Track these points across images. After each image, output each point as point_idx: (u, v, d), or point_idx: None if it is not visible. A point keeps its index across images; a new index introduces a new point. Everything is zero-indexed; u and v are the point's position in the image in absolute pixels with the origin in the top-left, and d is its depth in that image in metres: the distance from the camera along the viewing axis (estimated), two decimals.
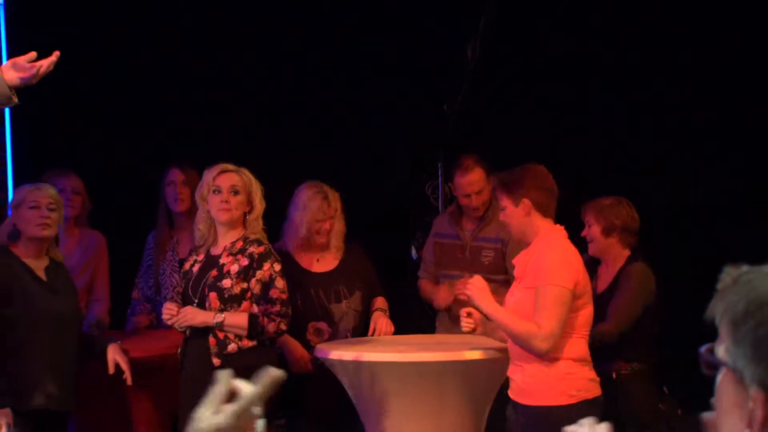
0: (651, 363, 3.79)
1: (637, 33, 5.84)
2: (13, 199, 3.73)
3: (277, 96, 5.64)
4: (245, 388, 1.23)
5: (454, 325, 4.09)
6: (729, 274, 1.21)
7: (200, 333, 3.67)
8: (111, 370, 3.71)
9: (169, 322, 3.70)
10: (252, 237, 3.72)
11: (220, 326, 3.62)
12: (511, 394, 3.38)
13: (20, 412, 3.44)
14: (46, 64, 2.93)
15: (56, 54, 2.96)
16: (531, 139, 5.36)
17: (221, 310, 3.63)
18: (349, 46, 5.65)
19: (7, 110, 4.74)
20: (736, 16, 5.76)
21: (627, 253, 3.78)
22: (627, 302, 3.64)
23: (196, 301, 3.66)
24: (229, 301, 3.63)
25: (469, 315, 3.40)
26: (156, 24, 5.60)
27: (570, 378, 3.26)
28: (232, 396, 1.24)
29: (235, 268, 3.66)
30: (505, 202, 3.32)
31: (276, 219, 4.30)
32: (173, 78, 5.63)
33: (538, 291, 3.21)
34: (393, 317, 4.30)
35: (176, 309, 3.65)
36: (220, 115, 5.57)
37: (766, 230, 4.51)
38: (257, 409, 1.23)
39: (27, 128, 5.15)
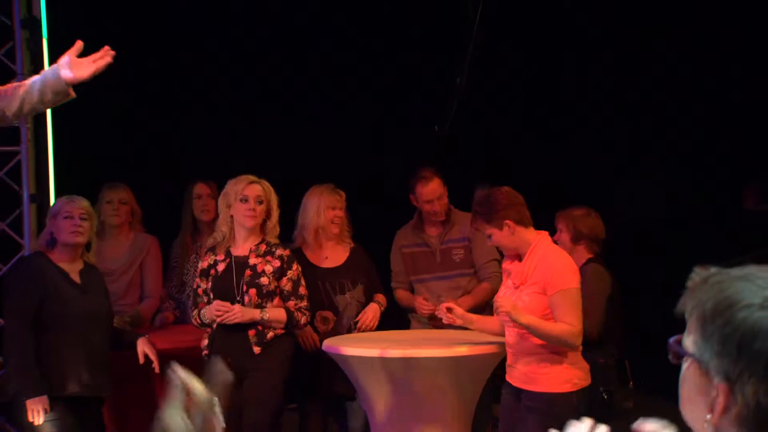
0: (615, 358, 3.77)
1: (611, 61, 5.80)
2: (50, 210, 3.80)
3: (281, 120, 5.60)
4: (200, 390, 1.21)
5: (427, 322, 4.17)
6: (698, 274, 1.22)
7: (237, 326, 3.75)
8: (141, 360, 3.75)
9: (219, 319, 3.73)
10: (273, 241, 3.85)
11: (265, 322, 3.75)
12: (512, 381, 3.40)
13: (57, 398, 3.51)
14: (102, 62, 2.77)
15: (108, 50, 2.78)
16: (513, 155, 5.41)
17: (258, 305, 3.74)
18: (349, 70, 5.63)
19: (50, 128, 4.69)
20: (692, 43, 5.69)
21: (588, 257, 3.77)
22: (592, 303, 3.59)
23: (239, 298, 3.75)
24: (266, 297, 3.76)
25: (449, 310, 3.44)
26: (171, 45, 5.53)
27: (572, 368, 3.31)
28: (189, 395, 1.24)
29: (269, 268, 3.79)
30: (490, 230, 3.32)
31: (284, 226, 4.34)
32: (193, 102, 5.59)
33: (558, 295, 3.23)
34: (394, 315, 4.33)
35: (228, 307, 3.71)
36: (236, 133, 5.58)
37: (717, 237, 4.51)
38: (215, 403, 1.23)
39: (68, 139, 5.05)
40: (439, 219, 4.22)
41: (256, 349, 3.73)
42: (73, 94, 2.81)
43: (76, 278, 3.68)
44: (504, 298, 3.30)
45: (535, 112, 5.87)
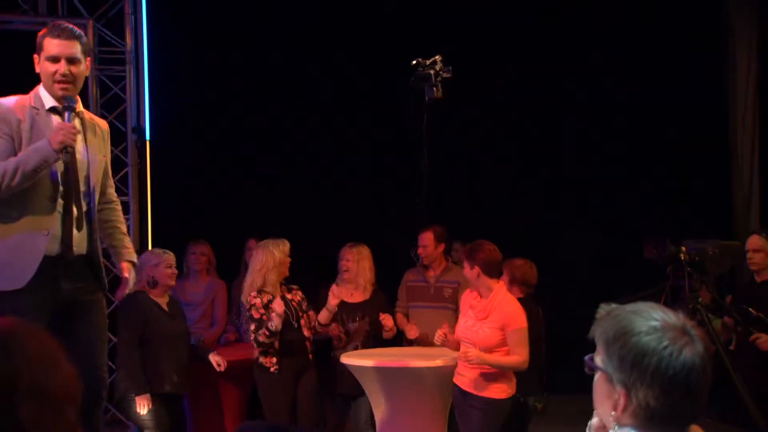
0: (536, 371, 3.67)
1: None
2: (151, 260, 3.83)
3: (308, 193, 5.61)
4: None
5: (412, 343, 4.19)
6: (603, 308, 1.25)
7: (298, 345, 3.88)
8: (220, 368, 3.92)
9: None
10: (284, 284, 3.97)
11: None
12: (460, 384, 3.39)
13: (155, 395, 3.64)
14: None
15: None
16: (482, 216, 5.58)
17: (307, 321, 3.93)
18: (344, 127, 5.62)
19: (150, 201, 4.85)
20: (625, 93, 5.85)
21: (519, 296, 3.70)
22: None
23: (294, 321, 3.88)
24: (305, 312, 3.99)
25: (445, 335, 3.47)
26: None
27: (507, 380, 3.37)
28: None
29: (297, 298, 3.97)
30: (466, 264, 3.39)
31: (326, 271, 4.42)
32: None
33: (513, 333, 3.27)
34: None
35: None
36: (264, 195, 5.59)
37: (622, 278, 4.54)
38: None
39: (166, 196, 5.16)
40: (425, 262, 4.24)
41: (311, 356, 3.95)
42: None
43: (165, 308, 3.81)
44: (474, 351, 3.28)
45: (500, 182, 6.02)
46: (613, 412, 1.20)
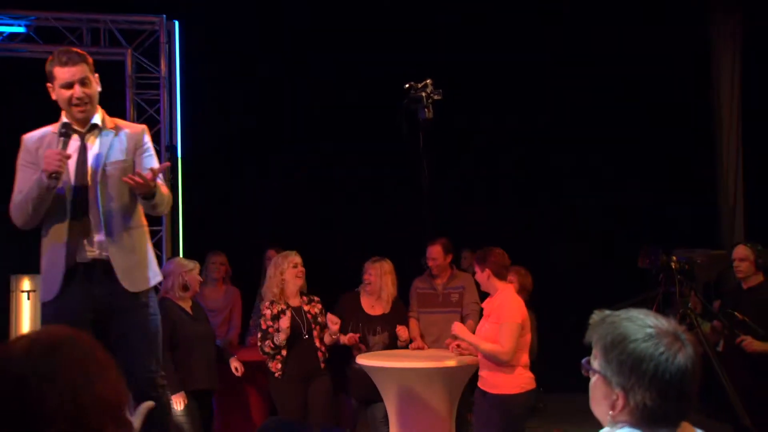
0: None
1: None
2: (185, 266, 3.84)
3: (327, 212, 5.72)
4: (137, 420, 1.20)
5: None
6: (597, 315, 1.24)
7: (309, 351, 3.86)
8: (240, 373, 3.96)
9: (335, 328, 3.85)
10: (306, 293, 4.02)
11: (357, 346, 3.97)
12: (481, 385, 3.40)
13: (188, 391, 3.67)
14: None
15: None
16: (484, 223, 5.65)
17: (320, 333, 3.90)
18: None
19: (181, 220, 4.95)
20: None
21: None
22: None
23: (305, 332, 3.89)
24: (322, 327, 3.99)
25: (458, 346, 3.59)
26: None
27: (520, 377, 3.34)
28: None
29: (315, 310, 3.99)
30: (477, 268, 3.43)
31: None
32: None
33: (502, 325, 3.29)
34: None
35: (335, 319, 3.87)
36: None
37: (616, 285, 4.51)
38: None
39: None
40: (435, 273, 4.27)
41: (322, 365, 3.93)
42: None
43: (190, 311, 3.82)
44: (458, 325, 3.46)
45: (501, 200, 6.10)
46: (610, 412, 1.20)
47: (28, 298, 4.53)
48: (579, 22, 5.86)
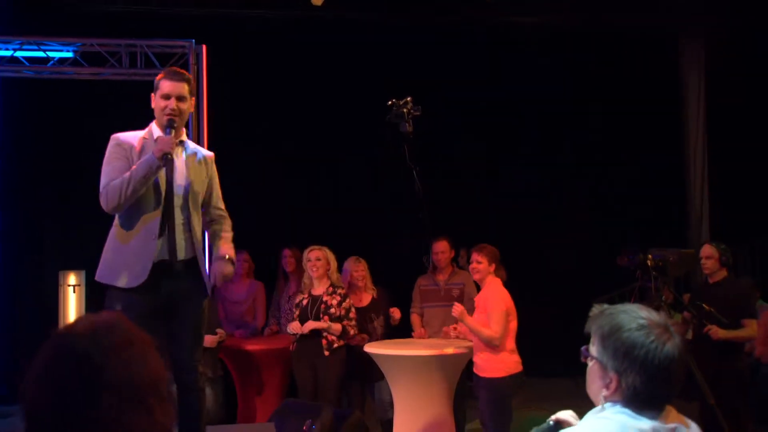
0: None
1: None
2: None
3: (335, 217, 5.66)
4: None
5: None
6: (596, 307, 1.27)
7: (313, 337, 3.87)
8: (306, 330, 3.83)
9: (291, 331, 3.93)
10: (336, 284, 4.05)
11: (329, 330, 3.90)
12: (474, 370, 3.49)
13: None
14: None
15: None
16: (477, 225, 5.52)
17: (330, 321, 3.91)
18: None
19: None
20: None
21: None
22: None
23: (312, 317, 3.93)
24: (334, 319, 3.94)
25: (455, 329, 3.68)
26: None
27: (507, 360, 3.41)
28: None
29: (334, 302, 3.97)
30: (476, 257, 3.55)
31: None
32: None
33: (490, 314, 3.40)
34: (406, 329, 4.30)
35: (298, 325, 3.93)
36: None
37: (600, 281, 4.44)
38: None
39: None
40: (441, 265, 4.27)
41: (326, 353, 3.87)
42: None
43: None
44: (458, 306, 3.49)
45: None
46: (604, 391, 1.22)
47: (74, 292, 4.61)
48: None
